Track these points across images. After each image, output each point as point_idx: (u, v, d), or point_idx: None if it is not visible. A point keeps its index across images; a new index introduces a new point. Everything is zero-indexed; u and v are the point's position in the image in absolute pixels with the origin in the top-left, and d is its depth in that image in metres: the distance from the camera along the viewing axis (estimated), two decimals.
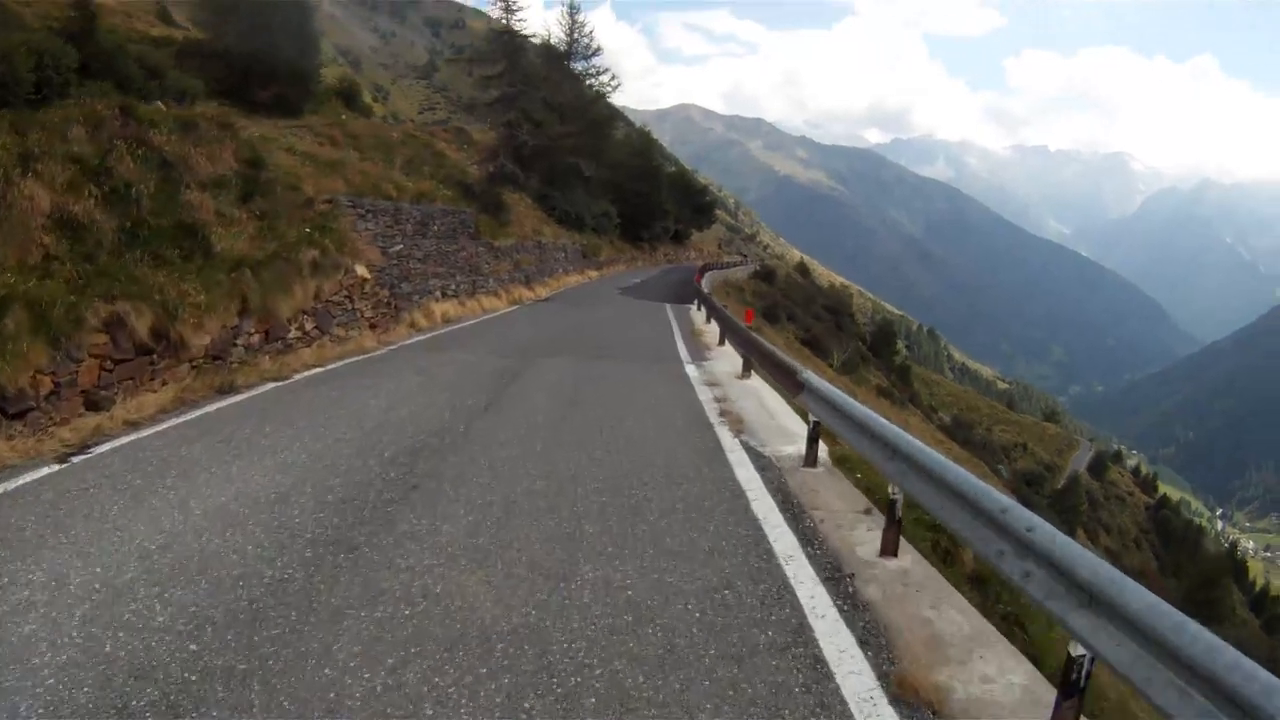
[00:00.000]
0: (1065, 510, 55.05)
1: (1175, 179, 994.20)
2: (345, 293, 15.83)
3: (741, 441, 9.14)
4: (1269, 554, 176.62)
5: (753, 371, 13.96)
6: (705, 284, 32.51)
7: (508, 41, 42.84)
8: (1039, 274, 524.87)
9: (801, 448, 8.65)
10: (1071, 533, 53.24)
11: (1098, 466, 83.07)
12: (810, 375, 8.74)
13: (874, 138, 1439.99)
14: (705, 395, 11.96)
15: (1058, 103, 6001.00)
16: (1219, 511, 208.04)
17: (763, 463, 8.29)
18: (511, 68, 42.30)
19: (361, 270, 16.58)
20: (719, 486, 7.38)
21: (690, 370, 14.46)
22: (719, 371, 14.50)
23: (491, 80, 43.22)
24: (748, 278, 58.26)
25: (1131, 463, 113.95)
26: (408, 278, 20.13)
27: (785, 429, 10.11)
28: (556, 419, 9.79)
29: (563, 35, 54.21)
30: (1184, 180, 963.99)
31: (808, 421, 8.52)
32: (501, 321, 22.09)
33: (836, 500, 7.31)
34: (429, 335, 18.02)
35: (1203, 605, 48.86)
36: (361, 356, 14.30)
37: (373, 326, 16.86)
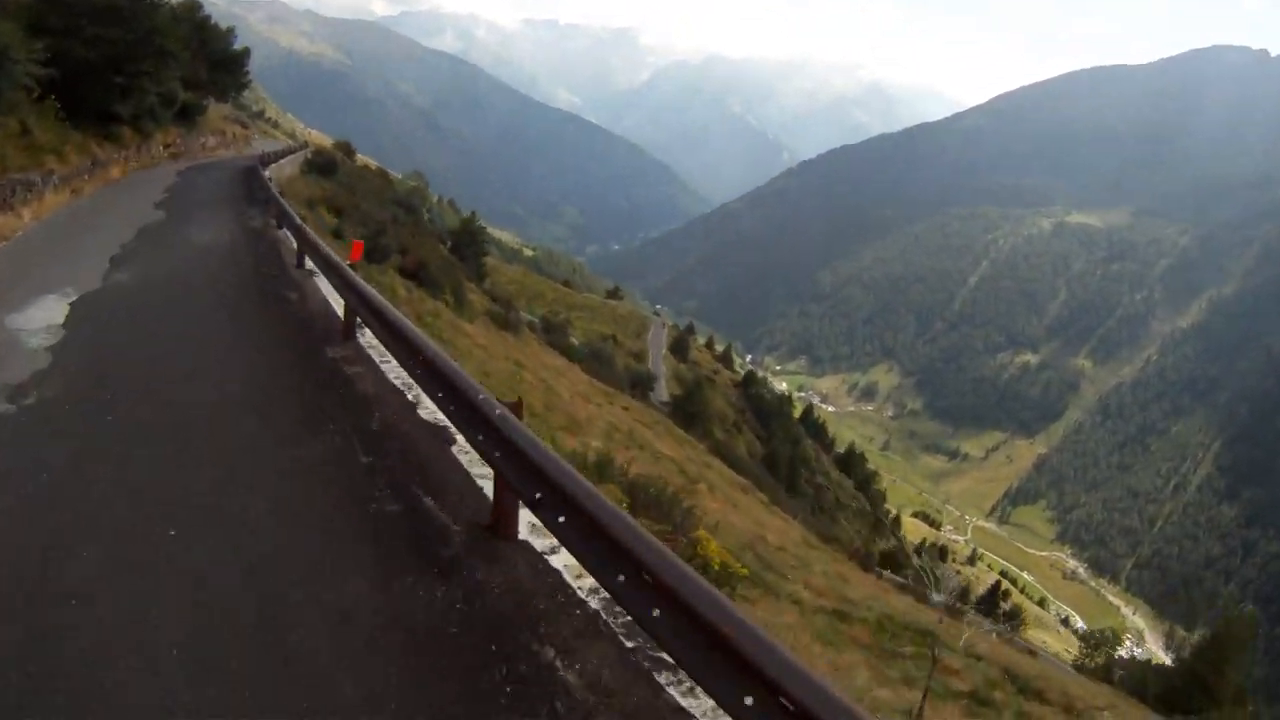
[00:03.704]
0: (692, 418, 49.62)
1: (684, 53, 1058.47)
2: None
3: None
4: (802, 394, 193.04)
5: None
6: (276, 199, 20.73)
7: None
8: (548, 141, 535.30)
9: None
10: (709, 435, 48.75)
11: (680, 347, 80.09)
12: None
13: (380, 10, 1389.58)
14: None
15: None
16: (749, 357, 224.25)
17: None
18: None
19: None
20: None
21: None
22: None
23: None
24: (301, 173, 40.79)
25: (702, 339, 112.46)
26: None
27: None
28: None
29: None
30: (692, 55, 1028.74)
31: None
32: None
33: None
34: None
35: None
36: None
37: None
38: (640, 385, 54.08)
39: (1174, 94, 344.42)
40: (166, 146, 38.94)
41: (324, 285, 13.32)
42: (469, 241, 54.00)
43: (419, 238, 38.64)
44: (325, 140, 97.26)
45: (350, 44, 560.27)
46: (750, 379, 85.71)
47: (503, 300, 44.13)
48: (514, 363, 25.04)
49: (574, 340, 55.46)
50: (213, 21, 60.63)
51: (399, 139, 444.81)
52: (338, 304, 11.55)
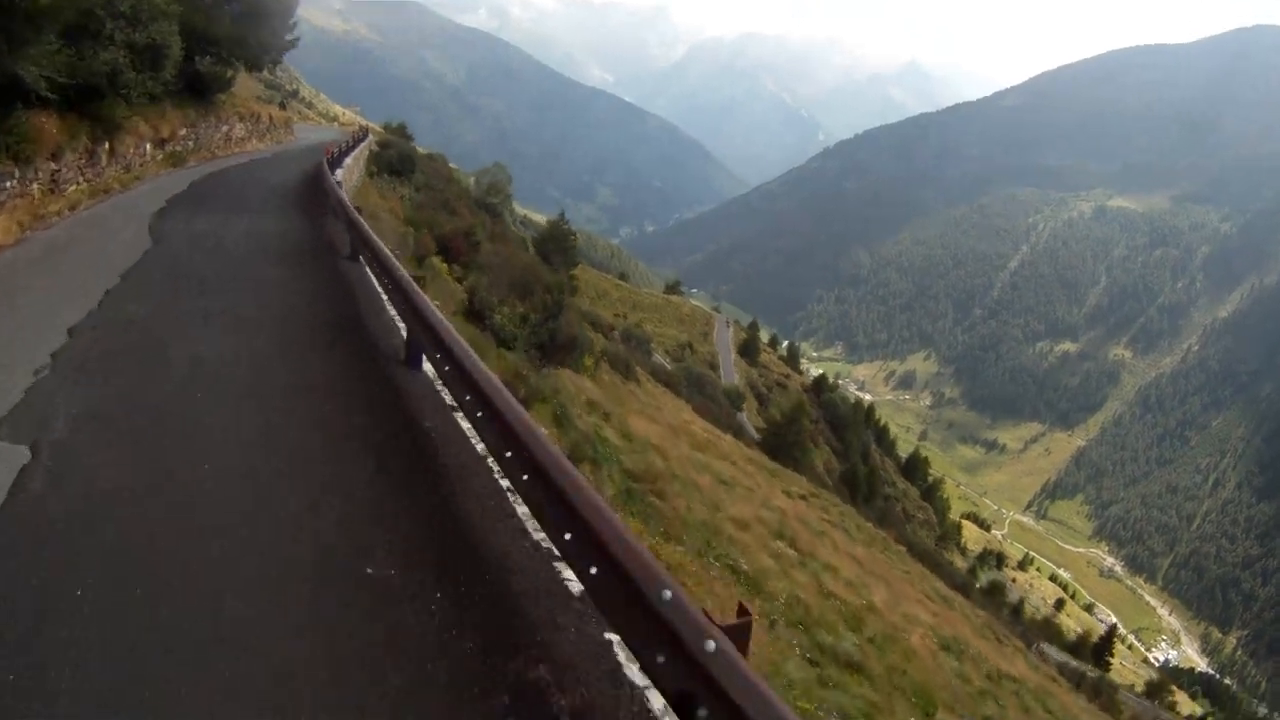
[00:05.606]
0: (791, 446, 40.35)
1: (718, 31, 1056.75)
2: None
3: None
4: (841, 382, 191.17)
5: None
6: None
7: None
8: (582, 120, 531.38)
9: None
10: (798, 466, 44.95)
11: (748, 350, 76.78)
12: None
13: None
14: None
15: None
16: (784, 344, 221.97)
17: None
18: None
19: None
20: None
21: None
22: None
23: None
24: (369, 174, 30.91)
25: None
26: None
27: None
28: None
29: None
30: (727, 32, 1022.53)
31: None
32: None
33: None
34: None
35: None
36: None
37: None
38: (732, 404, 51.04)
39: (1217, 74, 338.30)
40: (163, 143, 22.79)
41: None
42: (558, 248, 44.92)
43: (514, 252, 29.54)
44: (365, 122, 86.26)
45: (383, 22, 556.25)
46: (821, 384, 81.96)
47: (603, 326, 38.01)
48: (779, 539, 14.73)
49: (660, 358, 51.10)
50: None
51: (432, 115, 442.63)
52: None
